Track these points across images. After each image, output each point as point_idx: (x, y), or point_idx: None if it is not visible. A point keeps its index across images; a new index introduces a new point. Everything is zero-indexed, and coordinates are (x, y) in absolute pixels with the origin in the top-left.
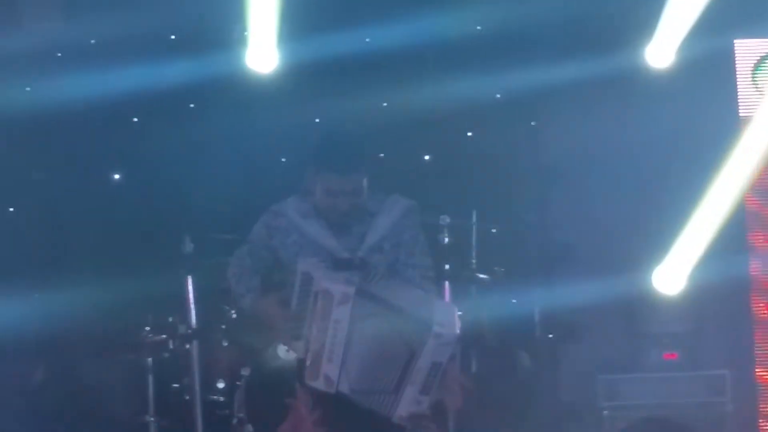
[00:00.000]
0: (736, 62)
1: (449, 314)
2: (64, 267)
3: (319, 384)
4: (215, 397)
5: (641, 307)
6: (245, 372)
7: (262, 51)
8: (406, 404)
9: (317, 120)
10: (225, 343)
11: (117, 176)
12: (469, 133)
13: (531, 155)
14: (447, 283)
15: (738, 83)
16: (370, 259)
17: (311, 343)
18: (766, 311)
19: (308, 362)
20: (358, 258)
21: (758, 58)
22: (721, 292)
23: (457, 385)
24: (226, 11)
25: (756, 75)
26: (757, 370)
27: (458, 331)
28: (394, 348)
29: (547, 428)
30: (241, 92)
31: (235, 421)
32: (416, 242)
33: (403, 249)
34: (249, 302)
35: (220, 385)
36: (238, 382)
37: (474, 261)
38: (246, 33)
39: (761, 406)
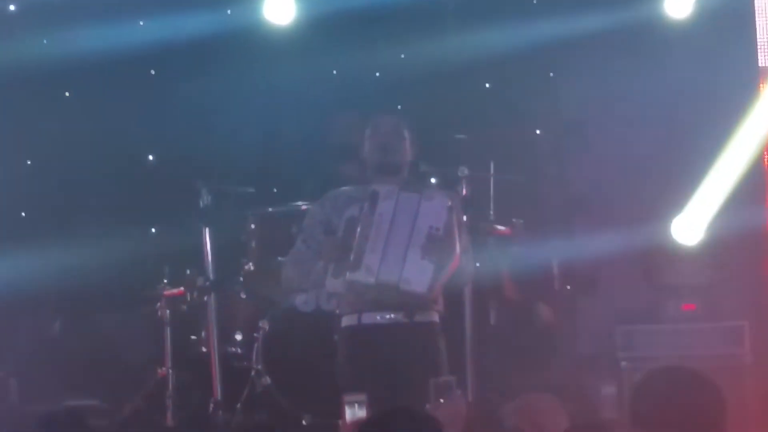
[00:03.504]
0: (756, 11)
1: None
2: (82, 220)
3: (359, 275)
4: (233, 349)
5: (660, 259)
6: (263, 324)
7: (279, 2)
8: (411, 269)
9: (334, 72)
10: (243, 296)
11: (134, 129)
12: (487, 85)
13: (549, 107)
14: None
15: (757, 33)
16: None
17: (357, 240)
18: None
19: (352, 258)
20: None
21: None
22: (739, 243)
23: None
24: None
25: None
26: None
27: (450, 201)
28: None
29: (565, 379)
30: (258, 44)
31: (252, 373)
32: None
33: None
34: (312, 281)
35: (238, 337)
36: (255, 334)
37: (492, 213)
38: None
39: None
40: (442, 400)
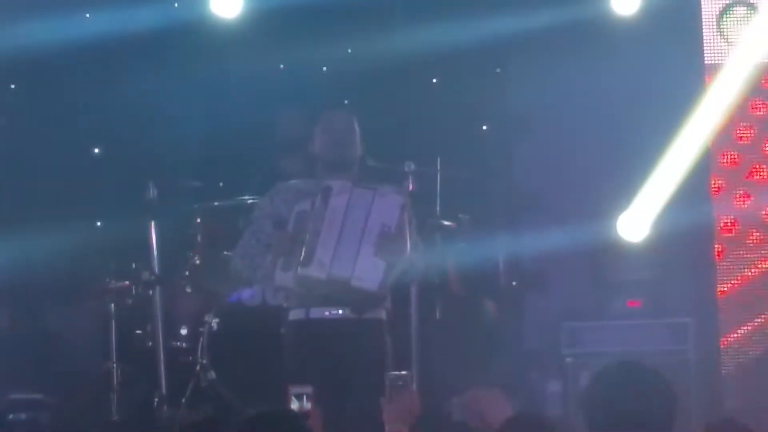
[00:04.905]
0: (702, 9)
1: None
2: (28, 213)
3: (311, 270)
4: (178, 343)
5: (605, 255)
6: (208, 318)
7: None
8: (364, 266)
9: (281, 66)
10: (188, 290)
11: (80, 122)
12: (434, 80)
13: (497, 103)
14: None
15: (703, 30)
16: None
17: (308, 235)
18: None
19: (303, 252)
20: None
21: (724, 5)
22: (685, 240)
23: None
24: None
25: (721, 22)
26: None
27: (402, 200)
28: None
29: (511, 376)
30: (205, 38)
31: (197, 367)
32: None
33: None
34: (261, 275)
35: (183, 331)
36: (201, 329)
37: (439, 208)
38: None
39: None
40: (394, 395)
